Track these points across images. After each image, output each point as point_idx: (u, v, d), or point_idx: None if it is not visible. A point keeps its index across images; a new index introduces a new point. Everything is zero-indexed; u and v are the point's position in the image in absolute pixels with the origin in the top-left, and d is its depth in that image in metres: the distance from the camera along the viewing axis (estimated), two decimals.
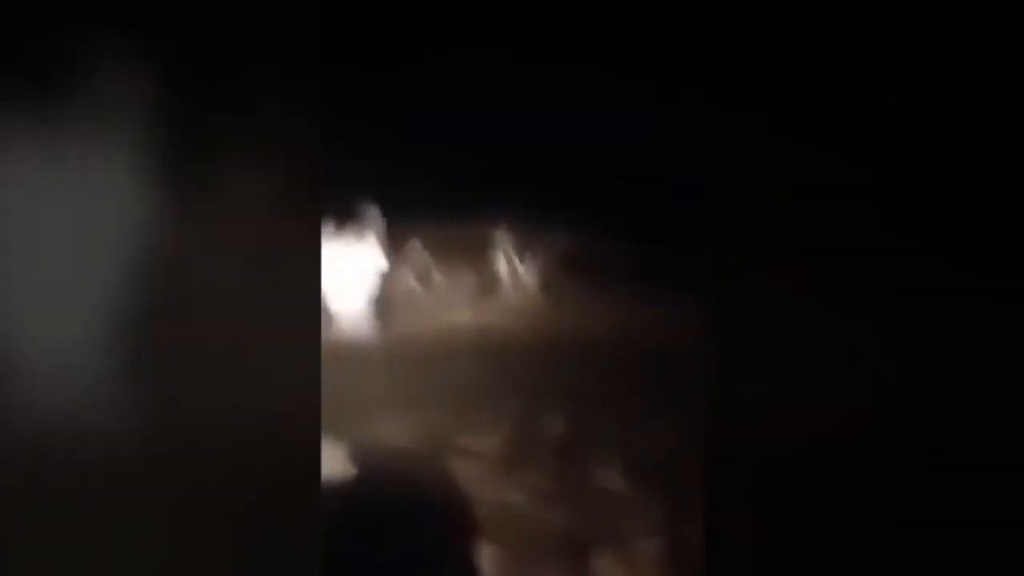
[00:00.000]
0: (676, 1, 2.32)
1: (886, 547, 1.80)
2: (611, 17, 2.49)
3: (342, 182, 2.28)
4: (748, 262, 1.82)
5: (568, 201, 2.49)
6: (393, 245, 2.56)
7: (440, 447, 2.37)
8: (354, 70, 2.44)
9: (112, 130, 1.77)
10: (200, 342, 1.79)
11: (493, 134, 2.49)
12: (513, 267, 2.58)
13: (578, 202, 2.49)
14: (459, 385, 2.43)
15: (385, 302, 2.55)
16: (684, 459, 2.19)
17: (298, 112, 1.79)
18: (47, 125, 1.75)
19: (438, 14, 2.51)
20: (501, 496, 2.31)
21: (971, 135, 1.79)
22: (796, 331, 1.81)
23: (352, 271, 2.54)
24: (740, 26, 1.82)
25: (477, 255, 2.59)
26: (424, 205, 2.51)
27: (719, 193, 1.83)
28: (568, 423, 2.41)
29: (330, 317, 2.46)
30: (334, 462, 2.27)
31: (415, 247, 2.58)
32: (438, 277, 2.59)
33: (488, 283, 2.60)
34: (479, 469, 2.35)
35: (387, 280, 2.56)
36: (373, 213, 2.53)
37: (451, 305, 2.58)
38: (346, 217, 2.51)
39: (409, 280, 2.59)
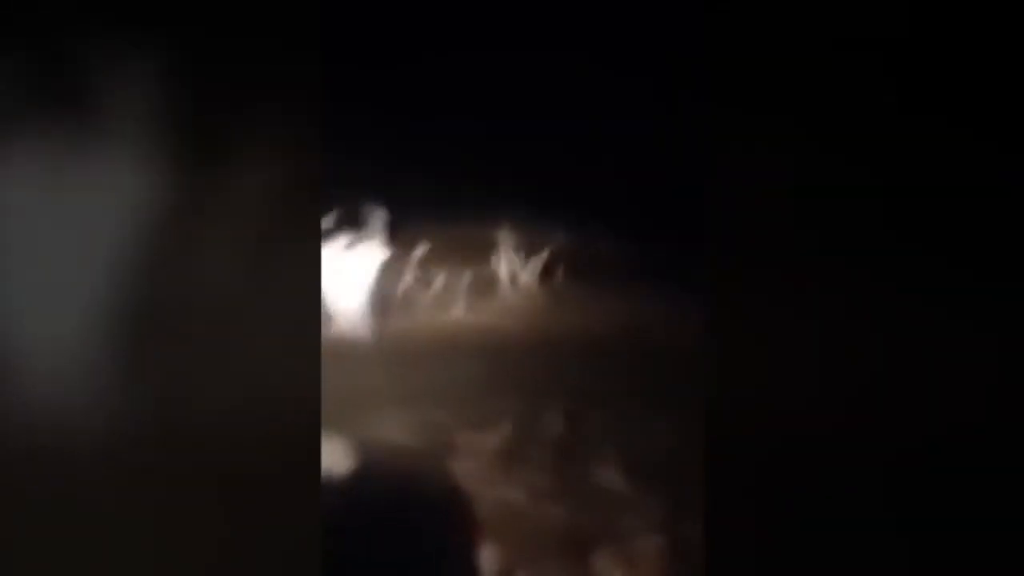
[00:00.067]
0: (676, 1, 2.31)
1: (886, 547, 1.80)
2: (611, 17, 2.48)
3: (342, 182, 2.28)
4: (748, 262, 1.82)
5: (568, 201, 2.49)
6: (393, 244, 2.55)
7: (440, 445, 2.37)
8: (354, 70, 2.44)
9: (111, 129, 1.77)
10: (200, 341, 1.79)
11: (494, 134, 2.48)
12: (513, 267, 2.58)
13: (578, 202, 2.49)
14: (459, 384, 2.43)
15: (385, 301, 2.55)
16: (684, 459, 2.18)
17: (298, 112, 1.79)
18: (46, 125, 1.75)
19: (438, 14, 2.51)
20: (501, 494, 2.31)
21: (971, 135, 1.79)
22: (796, 331, 1.81)
23: (352, 270, 2.53)
24: (740, 26, 1.82)
25: (477, 254, 2.59)
26: (424, 204, 2.51)
27: (719, 193, 1.83)
28: (568, 422, 2.41)
29: (330, 316, 2.46)
30: (334, 460, 2.28)
31: (415, 246, 2.58)
32: (438, 276, 2.59)
33: (488, 282, 2.59)
34: (479, 467, 2.35)
35: (387, 279, 2.56)
36: (373, 213, 2.53)
37: (451, 304, 2.57)
38: (346, 217, 2.51)
39: (409, 279, 2.58)
